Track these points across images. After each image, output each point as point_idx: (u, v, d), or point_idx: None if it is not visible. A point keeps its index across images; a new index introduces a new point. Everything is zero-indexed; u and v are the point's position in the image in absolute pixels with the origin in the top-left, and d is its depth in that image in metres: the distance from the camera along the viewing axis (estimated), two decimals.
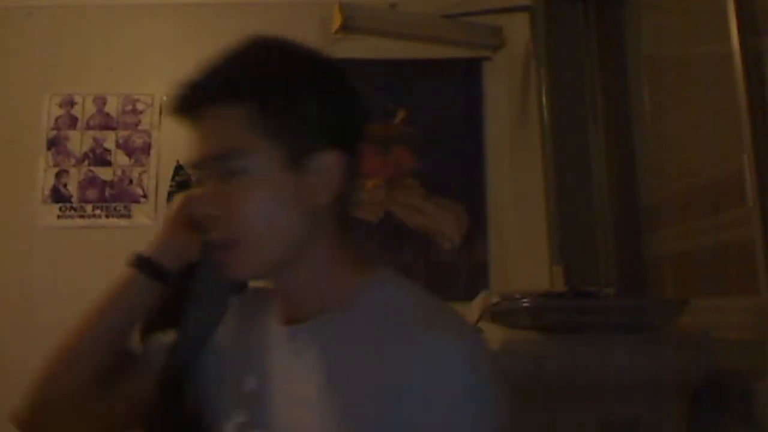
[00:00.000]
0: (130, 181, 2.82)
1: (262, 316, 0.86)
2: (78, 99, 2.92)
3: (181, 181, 2.37)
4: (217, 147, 0.74)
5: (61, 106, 2.91)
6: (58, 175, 2.84)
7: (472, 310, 1.57)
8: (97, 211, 2.79)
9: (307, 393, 0.73)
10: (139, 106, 2.91)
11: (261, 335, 0.83)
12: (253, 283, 0.91)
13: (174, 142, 2.80)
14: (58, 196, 2.83)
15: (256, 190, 0.73)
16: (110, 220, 2.78)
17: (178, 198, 0.87)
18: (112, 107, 2.91)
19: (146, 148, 2.86)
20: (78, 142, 2.88)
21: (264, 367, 0.80)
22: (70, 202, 2.81)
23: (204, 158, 0.75)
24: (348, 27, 2.43)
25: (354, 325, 0.74)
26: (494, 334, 1.35)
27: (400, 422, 0.67)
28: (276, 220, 0.74)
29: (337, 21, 2.43)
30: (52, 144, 2.87)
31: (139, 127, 2.90)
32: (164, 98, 2.89)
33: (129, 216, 2.79)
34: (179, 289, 0.85)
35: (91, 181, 2.83)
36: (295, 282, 0.78)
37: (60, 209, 2.81)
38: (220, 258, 0.75)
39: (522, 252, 2.64)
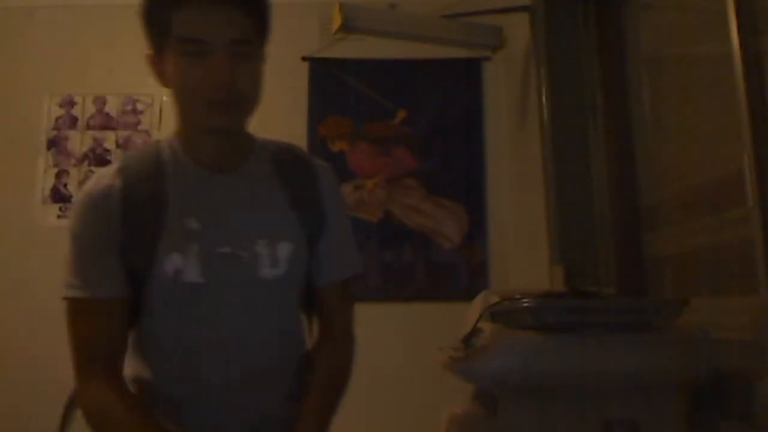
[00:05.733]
0: None
1: (175, 174, 1.10)
2: (78, 99, 2.92)
3: None
4: (248, 33, 1.03)
5: (61, 106, 2.91)
6: (58, 175, 2.85)
7: (472, 310, 1.57)
8: None
9: (252, 213, 1.10)
10: (139, 106, 2.91)
11: (189, 186, 1.09)
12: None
13: None
14: (58, 196, 2.83)
15: (261, 68, 1.07)
16: None
17: None
18: (112, 107, 2.91)
19: None
20: (78, 142, 2.88)
21: (203, 208, 1.07)
22: (70, 202, 2.81)
23: (242, 37, 1.02)
24: (348, 27, 2.43)
25: (262, 166, 1.15)
26: (494, 334, 1.35)
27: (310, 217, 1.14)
28: (261, 91, 1.08)
29: (337, 21, 2.43)
30: (52, 144, 2.88)
31: (139, 127, 2.90)
32: (164, 98, 2.89)
33: None
34: None
35: None
36: (235, 137, 1.12)
37: (60, 209, 2.81)
38: (222, 113, 1.03)
39: (522, 252, 2.64)
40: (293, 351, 1.17)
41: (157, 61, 1.08)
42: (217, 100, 1.02)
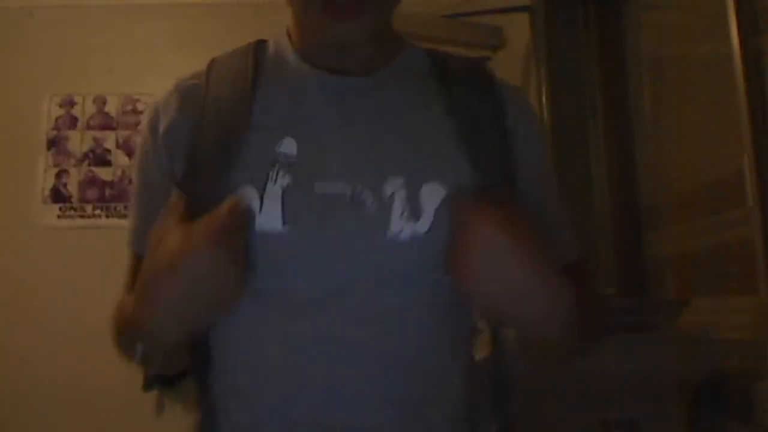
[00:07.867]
0: (130, 181, 2.82)
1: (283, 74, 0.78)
2: (78, 99, 2.92)
3: None
4: None
5: (61, 106, 2.91)
6: (58, 175, 2.85)
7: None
8: (97, 211, 2.80)
9: (386, 135, 0.73)
10: (139, 106, 2.91)
11: (289, 91, 0.76)
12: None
13: None
14: (58, 196, 2.83)
15: None
16: (110, 220, 2.78)
17: None
18: (112, 107, 2.91)
19: None
20: (78, 142, 2.88)
21: (307, 124, 0.72)
22: (70, 202, 2.81)
23: None
24: None
25: (413, 69, 0.81)
26: (494, 335, 1.35)
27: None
28: None
29: None
30: (52, 144, 2.88)
31: (139, 127, 2.90)
32: None
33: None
34: None
35: (91, 181, 2.83)
36: (366, 38, 0.75)
37: (60, 209, 2.81)
38: (341, 21, 0.70)
39: None
40: (446, 370, 0.75)
41: None
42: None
